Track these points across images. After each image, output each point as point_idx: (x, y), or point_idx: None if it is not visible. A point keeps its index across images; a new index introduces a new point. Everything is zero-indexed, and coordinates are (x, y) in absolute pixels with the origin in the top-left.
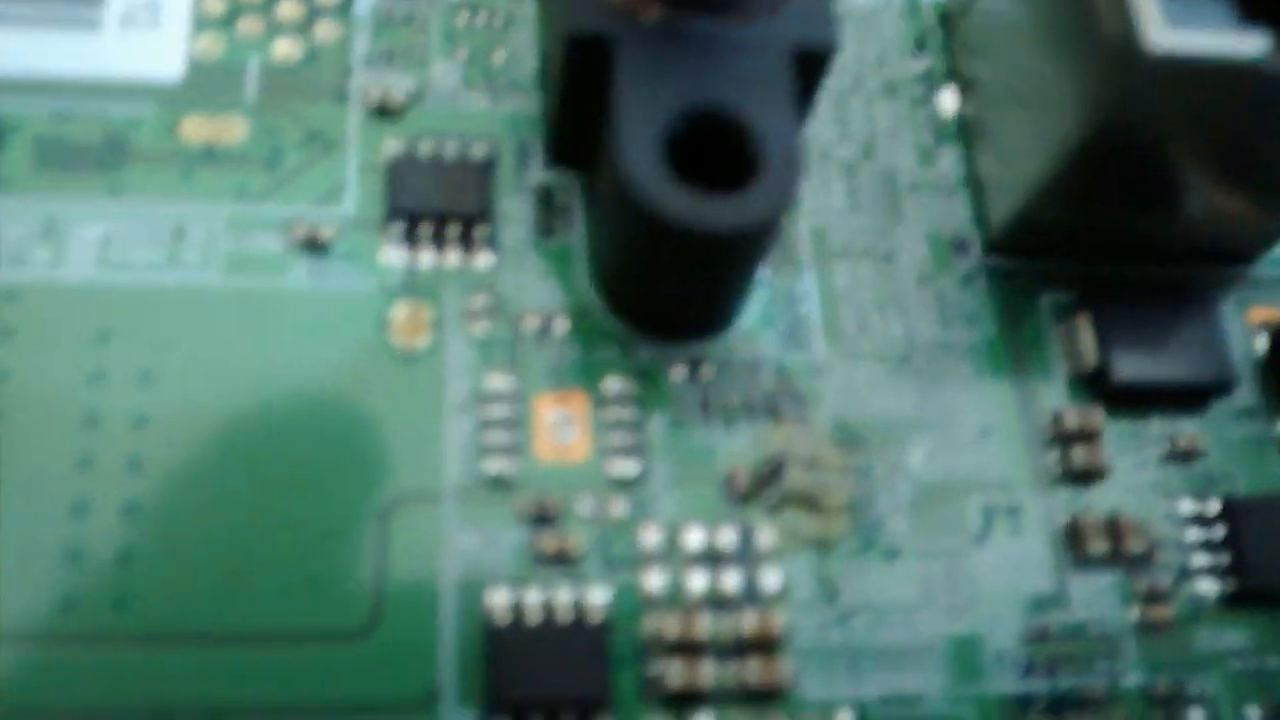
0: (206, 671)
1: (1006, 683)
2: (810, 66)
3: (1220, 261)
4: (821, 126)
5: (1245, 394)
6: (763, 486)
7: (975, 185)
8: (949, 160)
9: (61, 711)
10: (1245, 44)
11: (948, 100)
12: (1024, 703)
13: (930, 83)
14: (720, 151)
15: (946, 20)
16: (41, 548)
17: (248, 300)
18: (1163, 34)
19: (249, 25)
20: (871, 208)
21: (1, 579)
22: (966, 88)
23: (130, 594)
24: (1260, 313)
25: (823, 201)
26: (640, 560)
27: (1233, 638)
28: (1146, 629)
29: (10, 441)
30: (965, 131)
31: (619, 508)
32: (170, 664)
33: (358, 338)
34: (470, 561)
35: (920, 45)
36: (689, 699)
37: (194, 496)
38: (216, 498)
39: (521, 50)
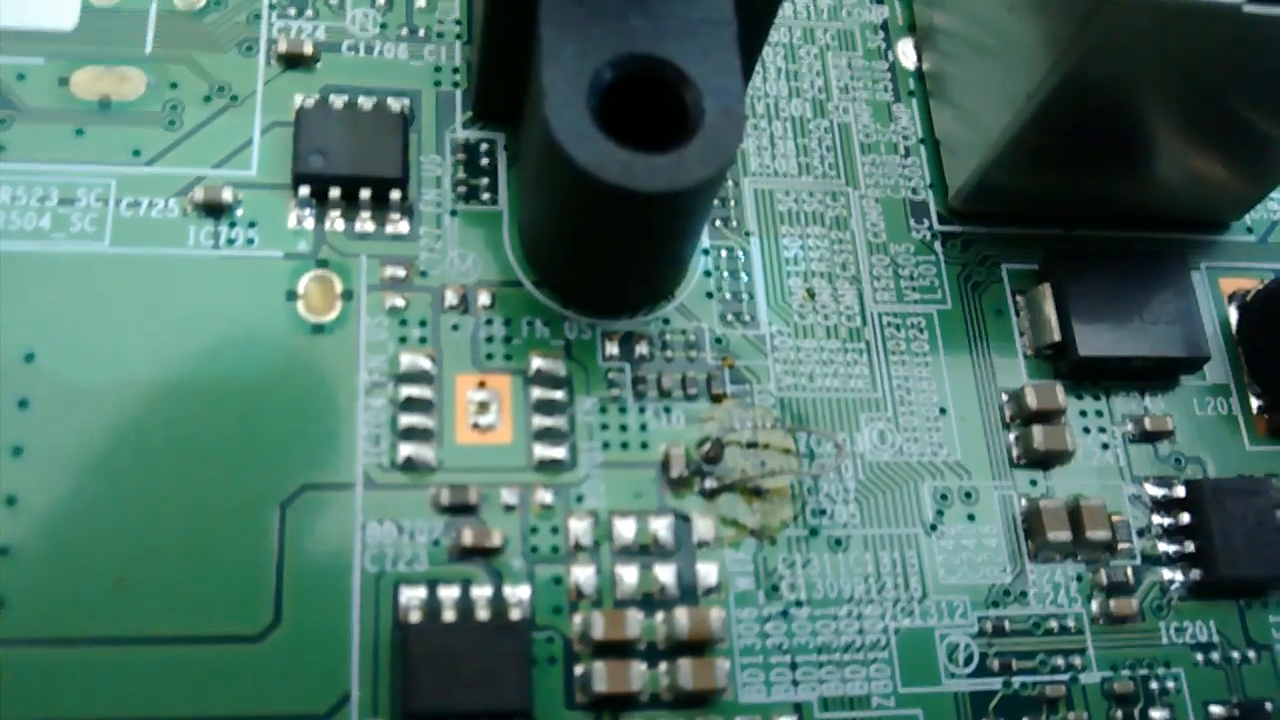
0: (92, 678)
1: (959, 681)
2: (755, 12)
3: (1192, 228)
4: (769, 80)
5: (1216, 370)
6: (700, 471)
7: (934, 145)
8: (907, 118)
9: None
10: None
11: (906, 53)
12: (978, 703)
13: (888, 34)
14: (656, 104)
15: None
16: None
17: (142, 270)
18: None
19: None
20: (822, 169)
21: None
22: (926, 39)
23: (8, 593)
24: (1231, 282)
25: (769, 161)
26: (567, 553)
27: (1198, 629)
28: (1108, 622)
29: None
30: (925, 87)
31: (545, 496)
32: (53, 670)
33: (262, 311)
34: (382, 555)
35: None
36: (618, 704)
37: (79, 486)
38: (104, 487)
39: None
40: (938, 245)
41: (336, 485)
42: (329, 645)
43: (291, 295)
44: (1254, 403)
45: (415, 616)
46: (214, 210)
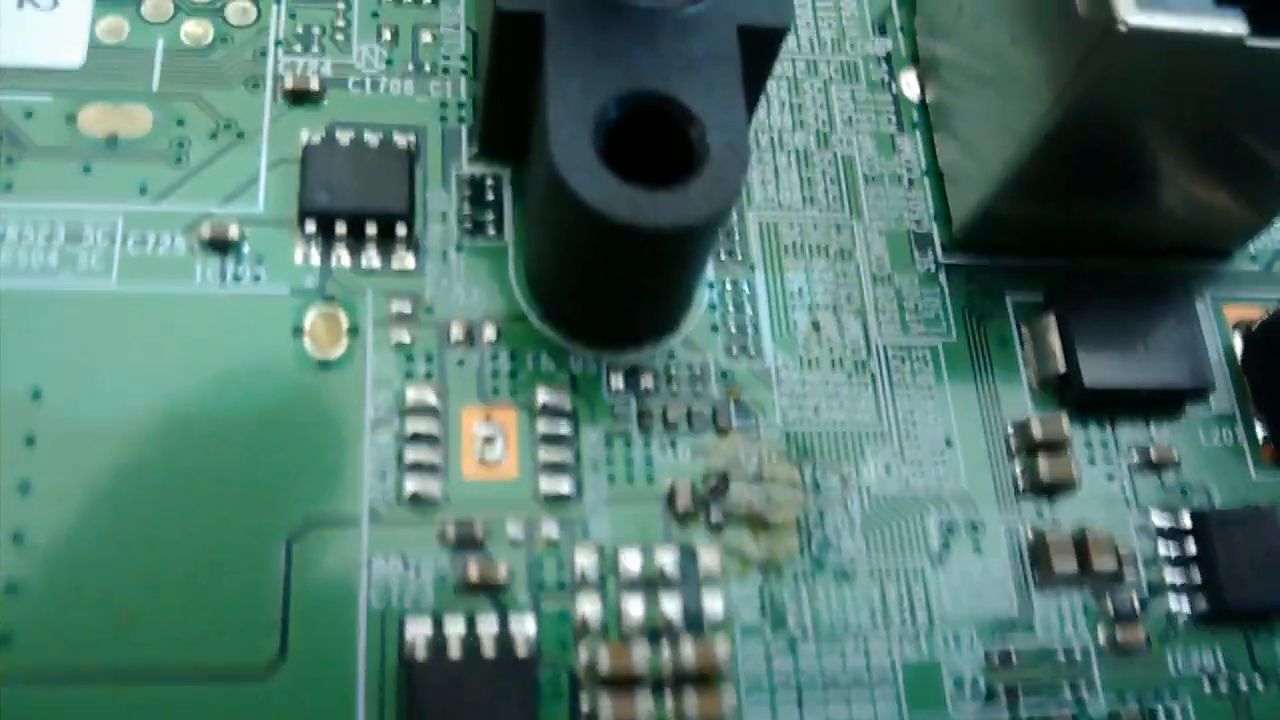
0: (98, 714)
1: (966, 713)
2: (760, 46)
3: (1196, 257)
4: (773, 113)
5: (1221, 399)
6: (706, 504)
7: (937, 177)
8: (911, 150)
9: None
10: (1221, 24)
11: (909, 84)
12: None
13: (891, 66)
14: (661, 140)
15: None
16: None
17: (149, 306)
18: (1136, 12)
19: (156, 5)
20: (826, 201)
21: None
22: (930, 71)
23: (15, 628)
24: (1236, 311)
25: (773, 194)
26: (573, 586)
27: (1205, 659)
28: (1115, 651)
29: None
30: (928, 118)
31: (550, 529)
32: (59, 705)
33: (268, 346)
34: (388, 590)
35: (881, 26)
36: None
37: (87, 521)
38: (111, 522)
39: (451, 32)
40: (942, 276)
41: (343, 520)
42: (334, 680)
43: (298, 331)
44: (1260, 432)
45: (421, 653)
46: (220, 247)
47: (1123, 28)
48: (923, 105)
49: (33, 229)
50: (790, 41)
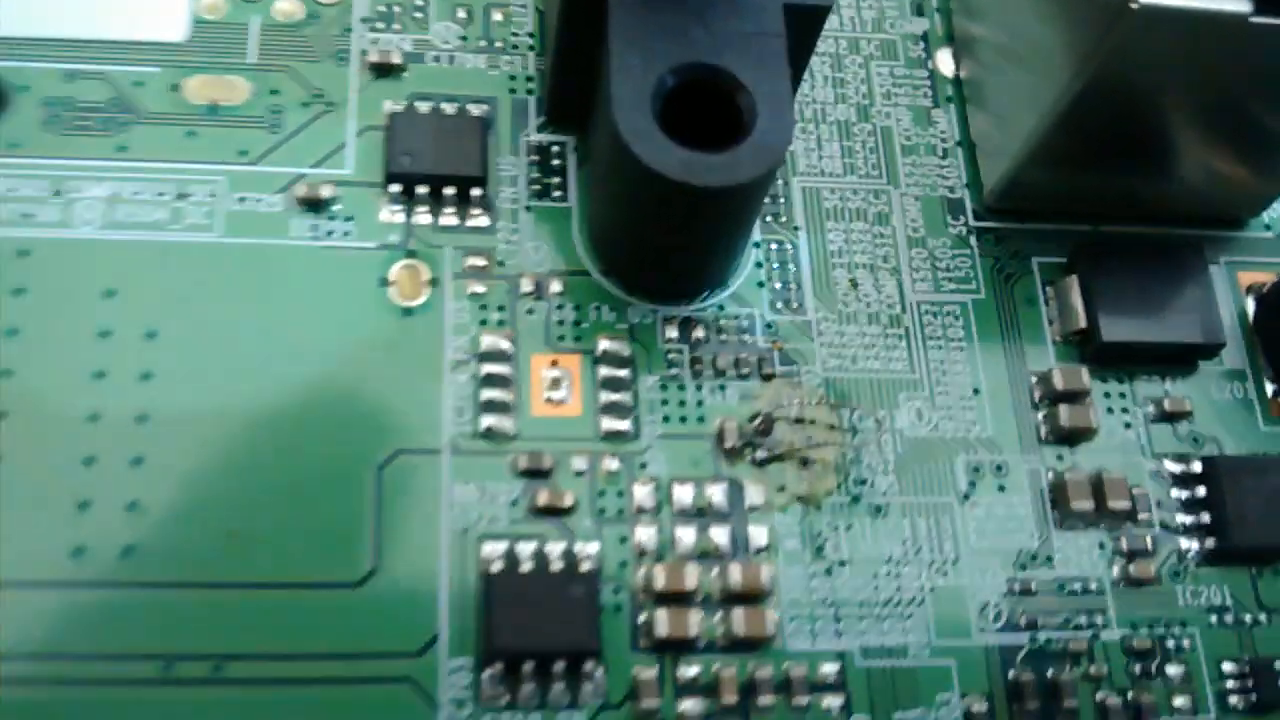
0: (211, 619)
1: (989, 636)
2: (804, 23)
3: (1211, 224)
4: (817, 87)
5: (1233, 356)
6: (752, 443)
7: (970, 147)
8: (945, 122)
9: (69, 655)
10: (1225, 3)
11: (945, 61)
12: (1006, 655)
13: (928, 44)
14: (713, 108)
15: None
16: (53, 498)
17: (250, 258)
18: None
19: None
20: (865, 169)
21: (12, 527)
22: (964, 48)
23: (138, 543)
24: (1249, 276)
25: (816, 162)
26: (631, 515)
27: (1212, 594)
28: (1128, 584)
29: (21, 396)
30: (962, 93)
31: (610, 463)
32: (176, 611)
33: (357, 295)
34: (466, 513)
35: (919, 7)
36: (677, 647)
37: (198, 449)
38: (220, 449)
39: (519, 11)
40: (973, 240)
41: (426, 450)
42: (420, 592)
43: (384, 282)
44: (1269, 387)
45: (497, 567)
46: (314, 205)
47: (1135, 6)
48: (956, 81)
49: (144, 187)
50: (833, 21)
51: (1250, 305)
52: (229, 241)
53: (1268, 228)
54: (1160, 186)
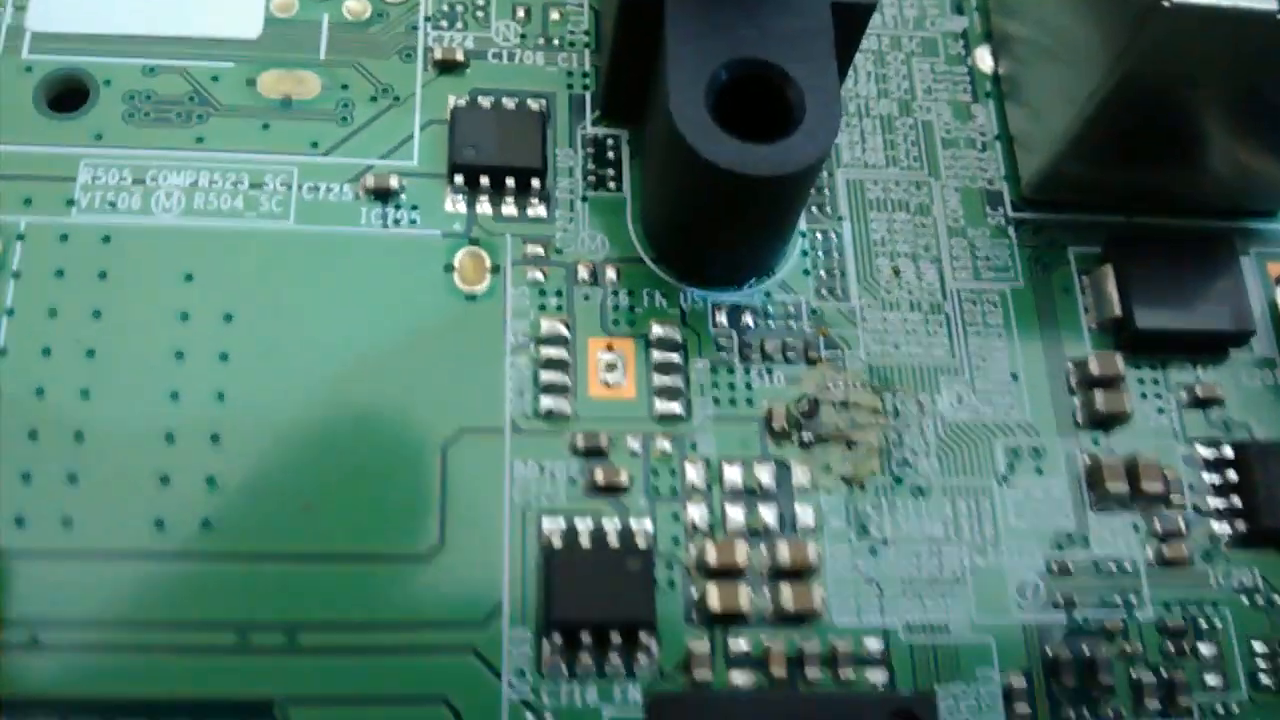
0: (285, 589)
1: (1027, 614)
2: (850, 21)
3: (1241, 216)
4: (862, 83)
5: (1263, 344)
6: (798, 425)
7: (1008, 141)
8: (984, 117)
9: (154, 623)
10: (1254, 1)
11: (984, 58)
12: (1044, 633)
13: (968, 41)
14: (764, 101)
15: None
16: (135, 472)
17: (322, 244)
18: None
19: None
20: (907, 161)
21: (97, 501)
22: (1002, 46)
23: (217, 516)
24: (1279, 266)
25: (860, 155)
26: (683, 494)
27: (1243, 575)
28: (1162, 565)
29: (104, 376)
30: (1000, 88)
31: (664, 444)
32: (254, 581)
33: (423, 281)
34: (527, 490)
35: (959, 6)
36: (728, 620)
37: (272, 426)
38: (293, 427)
39: (575, 10)
40: (1011, 230)
41: (488, 429)
42: (484, 564)
43: (448, 269)
44: None
45: (557, 541)
46: (382, 195)
47: (1167, 4)
48: (995, 77)
49: (221, 177)
50: (876, 19)
51: None
52: (301, 229)
53: None
54: (1192, 179)
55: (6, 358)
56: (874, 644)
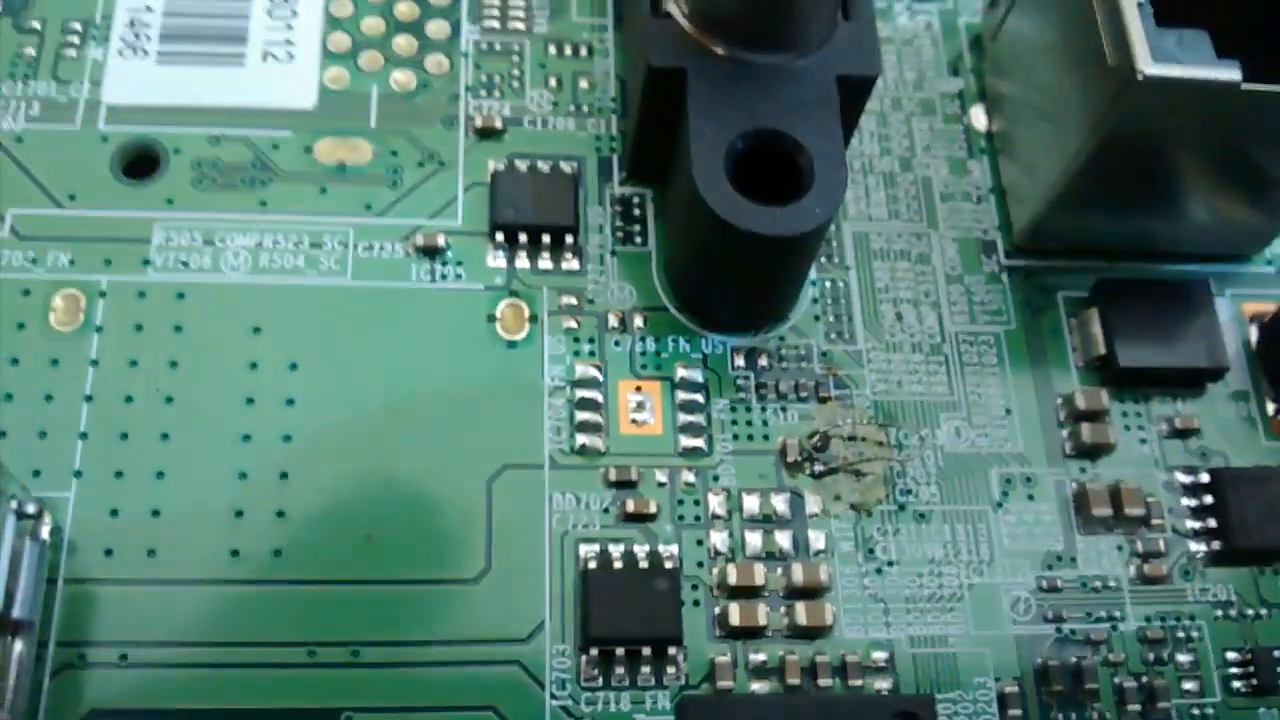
0: (349, 611)
1: (1020, 627)
2: (855, 91)
3: (1217, 260)
4: (866, 142)
5: (1237, 379)
6: (810, 458)
7: (1001, 194)
8: (979, 171)
9: (230, 642)
10: (1220, 72)
11: (978, 117)
12: (1035, 644)
13: (963, 101)
14: (777, 166)
15: (978, 43)
16: (213, 508)
17: (376, 298)
18: (1152, 63)
19: (370, 58)
20: (908, 214)
21: (179, 534)
22: (995, 105)
23: (287, 546)
24: (1252, 307)
25: (865, 208)
26: (706, 521)
27: (1218, 591)
28: (1143, 582)
29: (182, 421)
30: (993, 145)
31: (688, 476)
32: (320, 604)
33: (468, 331)
34: (565, 519)
35: (954, 68)
36: (748, 634)
37: (334, 464)
38: (354, 464)
39: (603, 79)
40: (1004, 276)
41: (529, 465)
42: (527, 587)
43: (491, 319)
44: (1270, 407)
45: (592, 565)
46: (430, 252)
47: (1141, 76)
48: (989, 134)
49: (283, 237)
50: (878, 82)
51: (1253, 333)
52: (358, 285)
53: (1269, 263)
54: (1171, 227)
55: (93, 404)
56: (880, 655)
